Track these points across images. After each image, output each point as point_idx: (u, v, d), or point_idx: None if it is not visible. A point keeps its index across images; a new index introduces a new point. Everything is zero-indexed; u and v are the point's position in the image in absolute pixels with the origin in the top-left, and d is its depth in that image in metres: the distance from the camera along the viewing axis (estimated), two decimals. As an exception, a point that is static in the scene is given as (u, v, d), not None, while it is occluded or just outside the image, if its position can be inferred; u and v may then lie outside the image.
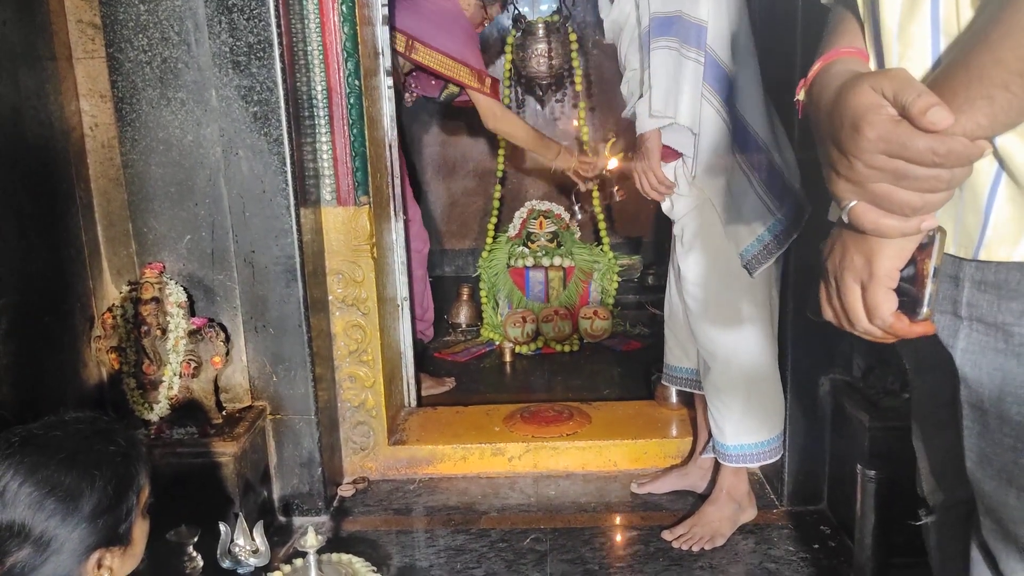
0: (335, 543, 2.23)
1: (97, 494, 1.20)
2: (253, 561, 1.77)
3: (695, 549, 2.16)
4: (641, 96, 2.09)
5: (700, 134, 2.04)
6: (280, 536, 2.28)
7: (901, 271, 0.76)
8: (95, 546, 1.21)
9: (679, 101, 2.01)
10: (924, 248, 0.74)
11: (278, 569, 1.78)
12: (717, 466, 2.31)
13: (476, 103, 3.12)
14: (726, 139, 2.05)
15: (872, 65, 0.84)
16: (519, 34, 3.93)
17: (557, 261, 3.82)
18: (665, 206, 2.24)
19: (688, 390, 2.41)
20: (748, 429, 2.20)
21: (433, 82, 3.18)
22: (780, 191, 2.04)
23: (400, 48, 2.98)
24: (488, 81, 3.10)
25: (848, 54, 0.84)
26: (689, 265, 2.17)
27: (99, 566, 1.22)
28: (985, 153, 0.70)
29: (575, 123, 4.21)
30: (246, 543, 1.78)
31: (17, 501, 1.15)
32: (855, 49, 0.85)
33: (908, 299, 0.76)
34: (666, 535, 2.22)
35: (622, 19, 2.15)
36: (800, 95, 0.86)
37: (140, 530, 1.31)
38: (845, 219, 0.76)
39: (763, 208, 2.05)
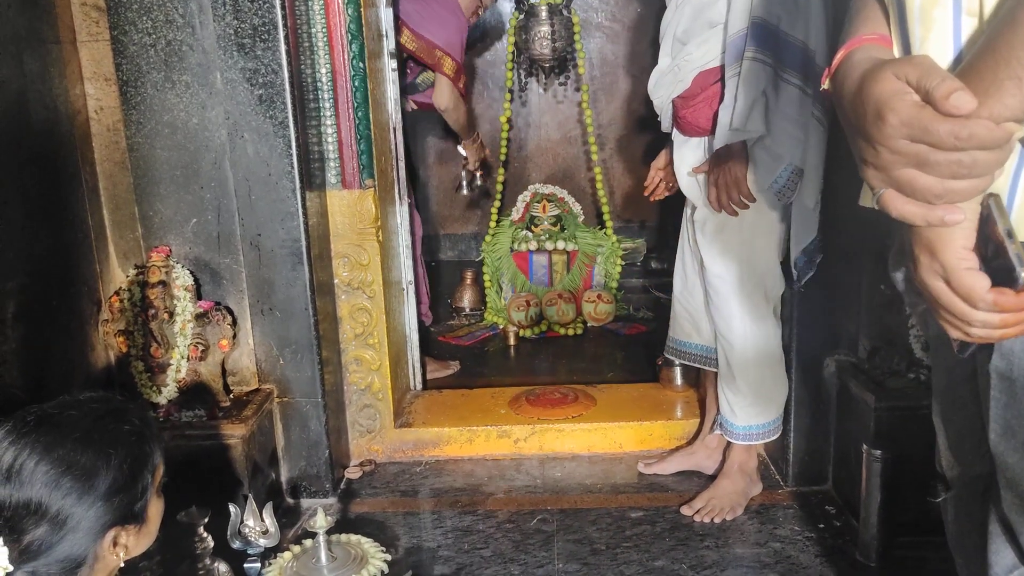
0: (343, 525, 2.24)
1: (113, 472, 1.21)
2: (263, 542, 1.77)
3: (716, 520, 2.21)
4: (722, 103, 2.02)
5: (809, 153, 1.98)
6: (288, 518, 2.30)
7: (984, 252, 0.74)
8: (111, 524, 1.22)
9: (769, 121, 1.94)
10: (987, 220, 0.73)
11: (288, 550, 1.80)
12: (724, 445, 2.35)
13: (439, 85, 3.09)
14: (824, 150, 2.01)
15: (896, 50, 0.84)
16: (522, 16, 3.91)
17: (560, 245, 3.82)
18: (692, 192, 2.22)
19: (695, 365, 2.42)
20: (757, 412, 2.25)
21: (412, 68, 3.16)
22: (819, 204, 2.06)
23: None
24: (463, 77, 3.13)
25: (871, 41, 0.83)
26: (713, 257, 2.17)
27: (115, 544, 1.23)
28: (1017, 136, 0.69)
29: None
30: (256, 524, 1.79)
31: (34, 479, 1.16)
32: (877, 35, 0.84)
33: (1002, 273, 0.73)
34: (685, 510, 2.26)
35: None
36: (825, 84, 0.86)
37: (155, 509, 1.32)
38: (876, 207, 0.76)
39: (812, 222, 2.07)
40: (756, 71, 1.91)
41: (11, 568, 1.15)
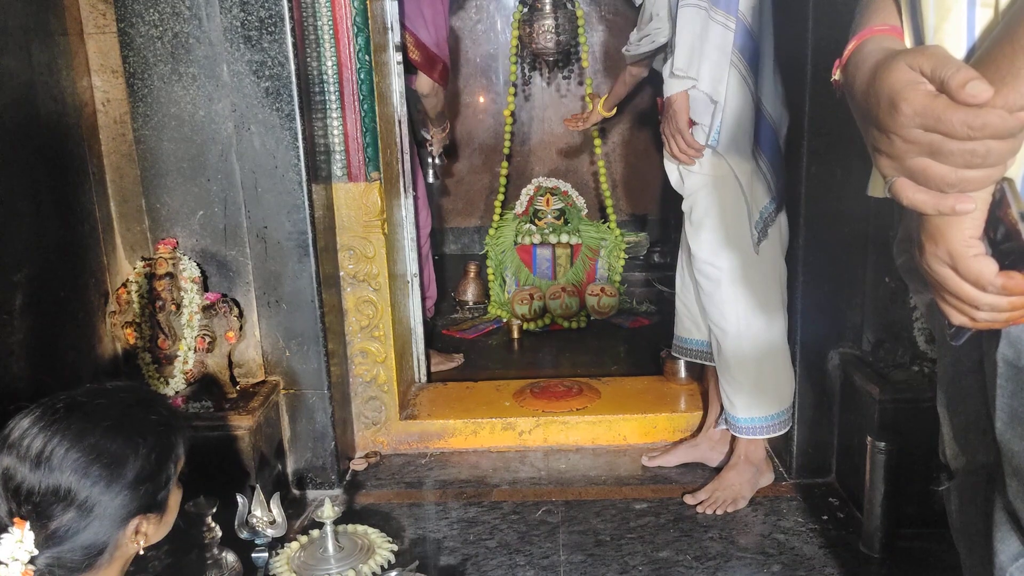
0: (348, 516, 2.26)
1: (140, 461, 1.23)
2: (270, 532, 1.79)
3: (719, 512, 2.21)
4: (666, 59, 2.09)
5: (725, 102, 2.03)
6: (294, 509, 2.31)
7: (993, 234, 0.74)
8: (135, 512, 1.23)
9: (701, 64, 2.00)
10: (1000, 204, 0.73)
11: (295, 540, 1.81)
12: (730, 437, 2.35)
13: (419, 76, 3.02)
14: (750, 110, 2.04)
15: (908, 40, 0.84)
16: (525, 10, 3.91)
17: (564, 238, 3.83)
18: (674, 180, 2.24)
19: (698, 362, 2.43)
20: (758, 403, 2.24)
21: None
22: (779, 170, 2.06)
23: None
24: (439, 67, 3.02)
25: (882, 32, 0.83)
26: (700, 244, 2.17)
27: (136, 532, 1.25)
28: None
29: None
30: (263, 514, 1.80)
31: (64, 466, 1.17)
32: (888, 26, 0.84)
33: (1014, 256, 0.73)
34: (688, 499, 2.26)
35: None
36: (836, 75, 0.86)
37: (175, 499, 1.34)
38: (888, 195, 0.76)
39: (764, 186, 2.07)
40: (689, 15, 1.99)
41: (36, 552, 1.16)
